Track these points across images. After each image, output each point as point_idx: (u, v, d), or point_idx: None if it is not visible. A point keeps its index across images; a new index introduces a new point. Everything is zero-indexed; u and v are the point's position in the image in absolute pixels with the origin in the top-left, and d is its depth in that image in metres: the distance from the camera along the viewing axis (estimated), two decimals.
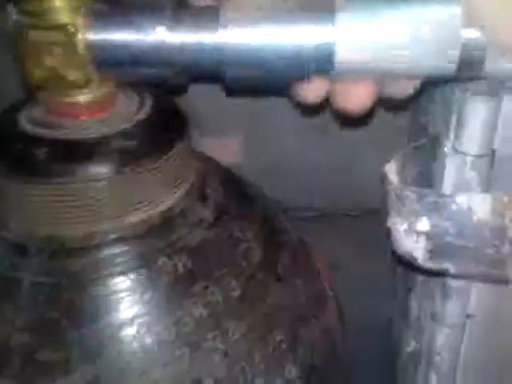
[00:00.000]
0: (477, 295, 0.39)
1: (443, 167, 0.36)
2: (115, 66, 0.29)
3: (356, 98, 0.30)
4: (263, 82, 0.29)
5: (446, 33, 0.26)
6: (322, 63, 0.27)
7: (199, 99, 0.55)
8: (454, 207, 0.30)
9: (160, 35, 0.28)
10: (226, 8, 0.27)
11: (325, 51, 0.26)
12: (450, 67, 0.27)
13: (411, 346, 0.45)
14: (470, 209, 0.29)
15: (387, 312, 0.58)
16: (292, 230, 0.42)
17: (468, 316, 0.40)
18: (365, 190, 0.55)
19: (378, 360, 0.56)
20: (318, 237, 0.63)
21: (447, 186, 0.36)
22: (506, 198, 0.28)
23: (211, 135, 0.58)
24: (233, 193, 0.38)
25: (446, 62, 0.26)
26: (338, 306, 0.42)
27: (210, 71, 0.28)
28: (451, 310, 0.39)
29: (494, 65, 0.27)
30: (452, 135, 0.36)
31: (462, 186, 0.35)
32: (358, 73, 0.28)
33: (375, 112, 0.50)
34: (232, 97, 0.45)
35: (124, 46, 0.28)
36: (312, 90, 0.30)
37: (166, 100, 0.35)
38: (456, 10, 0.26)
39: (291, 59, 0.27)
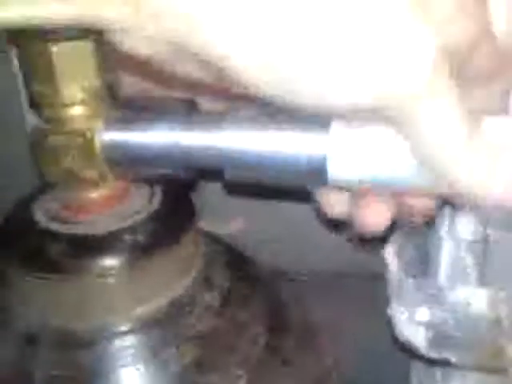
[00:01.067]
0: (476, 377, 0.39)
1: (440, 250, 0.38)
2: (129, 165, 0.31)
3: (371, 216, 0.29)
4: (261, 185, 0.31)
5: None
6: (315, 175, 0.28)
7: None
8: (452, 299, 0.31)
9: (172, 138, 0.29)
10: (231, 114, 0.29)
11: (317, 163, 0.28)
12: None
13: None
14: (467, 302, 0.30)
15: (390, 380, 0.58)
16: (296, 307, 0.43)
17: None
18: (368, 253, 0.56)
19: None
20: (324, 301, 0.63)
21: (444, 268, 0.37)
22: (501, 293, 0.29)
23: (213, 211, 0.60)
24: (238, 276, 0.39)
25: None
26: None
27: (210, 171, 0.30)
28: None
29: None
30: (446, 220, 0.37)
31: (458, 269, 0.37)
32: (356, 188, 0.29)
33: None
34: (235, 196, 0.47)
35: (138, 148, 0.30)
36: (332, 204, 0.30)
37: (176, 190, 0.37)
38: None
39: (282, 167, 0.28)
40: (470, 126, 0.23)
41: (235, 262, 0.40)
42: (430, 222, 0.40)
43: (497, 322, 0.30)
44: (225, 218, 0.61)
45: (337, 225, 0.48)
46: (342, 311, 0.60)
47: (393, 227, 0.34)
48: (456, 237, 0.37)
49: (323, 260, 0.63)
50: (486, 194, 0.24)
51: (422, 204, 0.29)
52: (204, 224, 0.55)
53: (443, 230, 0.38)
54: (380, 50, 0.22)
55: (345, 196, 0.30)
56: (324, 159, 0.28)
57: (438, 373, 0.41)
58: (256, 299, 0.38)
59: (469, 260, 0.37)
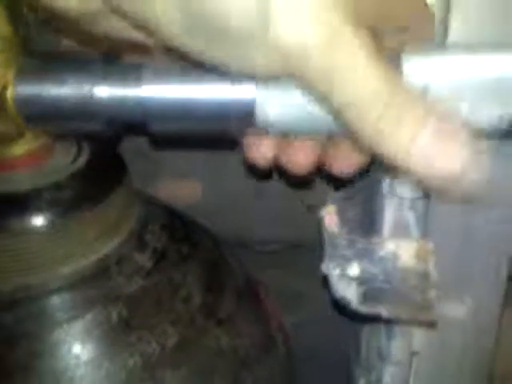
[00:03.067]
0: (421, 332, 0.39)
1: (383, 208, 0.37)
2: (44, 120, 0.29)
3: (297, 159, 0.29)
4: (189, 136, 0.30)
5: None
6: (243, 120, 0.27)
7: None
8: (381, 253, 0.30)
9: (87, 90, 0.28)
10: (149, 64, 0.28)
11: (246, 108, 0.27)
12: None
13: (361, 383, 0.45)
14: (395, 254, 0.30)
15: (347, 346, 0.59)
16: (240, 272, 0.42)
17: (413, 353, 0.40)
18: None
19: None
20: (281, 269, 0.63)
21: (387, 226, 0.37)
22: (430, 245, 0.29)
23: (169, 178, 0.59)
24: (175, 237, 0.38)
25: None
26: (288, 349, 0.42)
27: (135, 125, 0.29)
28: (396, 347, 0.40)
29: None
30: (388, 179, 0.37)
31: (400, 226, 0.36)
32: (281, 131, 0.28)
33: None
34: (163, 150, 0.45)
35: (52, 101, 0.29)
36: (259, 154, 0.30)
37: (105, 148, 0.35)
38: None
39: (210, 115, 0.27)
40: (383, 72, 0.23)
41: (172, 223, 0.39)
42: (372, 181, 0.40)
43: (425, 274, 0.29)
44: (179, 185, 0.60)
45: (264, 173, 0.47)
46: (293, 278, 0.60)
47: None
48: (398, 195, 0.36)
49: (275, 230, 0.63)
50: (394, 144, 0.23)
51: (344, 155, 0.28)
52: (158, 190, 0.54)
53: (385, 188, 0.37)
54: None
55: (271, 142, 0.29)
56: (253, 103, 0.27)
57: (383, 331, 0.41)
58: (192, 261, 0.37)
59: (411, 217, 0.37)
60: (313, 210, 0.61)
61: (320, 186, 0.58)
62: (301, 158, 0.29)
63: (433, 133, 0.23)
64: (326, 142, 0.29)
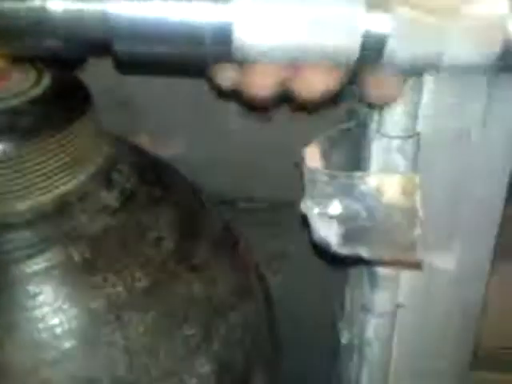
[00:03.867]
0: (405, 283, 0.37)
1: (370, 151, 0.35)
2: None
3: (258, 87, 0.28)
4: (157, 59, 0.27)
5: (348, 17, 0.24)
6: (219, 46, 0.25)
7: (139, 95, 0.52)
8: (363, 188, 0.28)
9: (40, 2, 0.25)
10: None
11: (221, 32, 0.24)
12: (353, 52, 0.25)
13: (345, 337, 0.44)
14: (379, 190, 0.27)
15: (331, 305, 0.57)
16: (218, 220, 0.39)
17: (398, 305, 0.38)
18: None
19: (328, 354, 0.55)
20: (265, 228, 0.61)
21: (374, 169, 0.34)
22: (416, 178, 0.27)
23: (152, 130, 0.57)
24: (146, 179, 0.35)
25: (349, 46, 0.25)
26: (267, 299, 0.40)
27: (95, 43, 0.26)
28: (380, 299, 0.38)
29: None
30: (376, 117, 0.34)
31: (388, 170, 0.34)
32: (258, 58, 0.26)
33: None
34: (126, 74, 0.43)
35: (5, 16, 0.26)
36: (221, 76, 0.28)
37: (68, 75, 0.33)
38: None
39: (184, 37, 0.25)
40: None
41: (143, 165, 0.36)
42: (359, 121, 0.37)
43: (411, 210, 0.27)
44: (164, 139, 0.58)
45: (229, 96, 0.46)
46: (276, 238, 0.58)
47: None
48: (386, 135, 0.34)
49: (261, 188, 0.61)
50: None
51: (319, 79, 0.26)
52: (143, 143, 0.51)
53: (373, 128, 0.35)
54: None
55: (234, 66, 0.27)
56: (229, 27, 0.24)
57: (366, 283, 0.39)
58: (164, 204, 0.35)
59: (399, 160, 0.34)
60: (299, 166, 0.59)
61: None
62: (264, 82, 0.27)
63: None
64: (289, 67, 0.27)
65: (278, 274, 0.58)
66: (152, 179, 0.36)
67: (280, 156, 0.58)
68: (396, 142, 0.34)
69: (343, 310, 0.45)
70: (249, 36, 0.25)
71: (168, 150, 0.59)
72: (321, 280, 0.57)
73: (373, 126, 0.35)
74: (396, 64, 0.28)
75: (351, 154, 0.37)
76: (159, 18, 0.25)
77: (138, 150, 0.38)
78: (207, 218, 0.38)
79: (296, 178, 0.59)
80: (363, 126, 0.37)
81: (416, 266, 0.28)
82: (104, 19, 0.25)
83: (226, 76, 0.27)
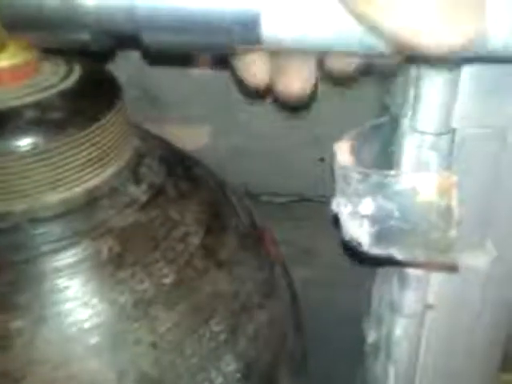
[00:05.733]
0: (436, 284, 0.36)
1: (402, 146, 0.34)
2: (26, 27, 0.26)
3: (295, 80, 0.27)
4: (185, 50, 0.27)
5: None
6: (247, 34, 0.24)
7: (163, 86, 0.52)
8: (397, 187, 0.27)
9: None
10: None
11: (249, 20, 0.24)
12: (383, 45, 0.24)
13: (372, 337, 0.43)
14: (414, 189, 0.27)
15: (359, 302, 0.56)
16: (244, 214, 0.39)
17: (427, 306, 0.37)
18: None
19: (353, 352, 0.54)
20: (291, 222, 0.61)
21: (406, 166, 0.33)
22: (453, 178, 0.26)
23: (177, 121, 0.56)
24: (174, 173, 0.35)
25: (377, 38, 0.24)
26: (293, 296, 0.40)
27: (124, 35, 0.26)
28: (409, 299, 0.37)
29: None
30: (409, 113, 0.33)
31: (421, 167, 0.33)
32: (287, 48, 0.25)
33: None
34: (157, 65, 0.42)
35: (35, 7, 0.26)
36: (253, 74, 0.28)
37: (98, 69, 0.32)
38: None
39: (210, 26, 0.24)
40: None
41: (171, 159, 0.36)
42: (391, 117, 0.36)
43: (447, 210, 0.26)
44: (186, 130, 0.58)
45: (258, 94, 0.45)
46: (301, 232, 0.58)
47: None
48: (419, 131, 0.33)
49: (291, 181, 0.60)
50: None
51: (340, 65, 0.26)
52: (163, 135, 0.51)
53: (406, 124, 0.34)
54: None
55: (266, 64, 0.27)
56: (257, 15, 0.24)
57: (395, 282, 0.38)
58: (192, 199, 0.34)
59: (433, 157, 0.33)
60: (324, 161, 0.59)
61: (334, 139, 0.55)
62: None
63: None
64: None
65: (302, 269, 0.57)
66: (179, 174, 0.35)
67: (306, 149, 0.58)
68: (430, 139, 0.33)
69: (370, 309, 0.45)
70: (277, 23, 0.24)
71: (193, 141, 0.58)
72: (347, 276, 0.56)
73: (406, 121, 0.34)
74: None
75: (383, 150, 0.36)
76: (185, 8, 0.25)
77: (165, 144, 0.38)
78: (233, 212, 0.38)
79: (322, 172, 0.58)
80: (395, 121, 0.36)
81: (451, 267, 0.27)
82: (132, 10, 0.25)
83: (256, 74, 0.27)
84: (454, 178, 0.26)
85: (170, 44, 0.26)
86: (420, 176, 0.27)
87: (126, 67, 0.45)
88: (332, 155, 0.32)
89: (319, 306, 0.57)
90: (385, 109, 0.43)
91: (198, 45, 0.26)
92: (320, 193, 0.60)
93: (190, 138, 0.58)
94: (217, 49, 0.27)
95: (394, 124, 0.36)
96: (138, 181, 0.32)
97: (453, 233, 0.26)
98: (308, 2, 0.24)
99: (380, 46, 0.24)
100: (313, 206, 0.61)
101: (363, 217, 0.28)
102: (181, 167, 0.36)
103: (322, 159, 0.59)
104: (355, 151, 0.33)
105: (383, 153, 0.36)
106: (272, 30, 0.24)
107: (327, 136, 0.56)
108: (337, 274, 0.57)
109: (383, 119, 0.37)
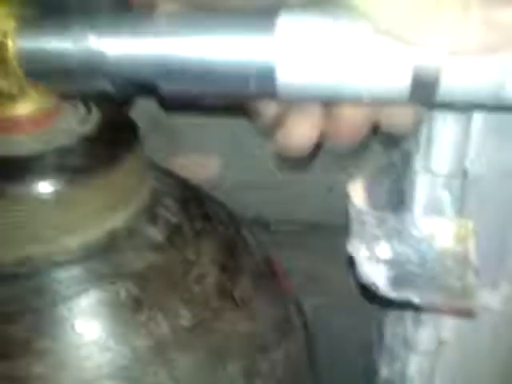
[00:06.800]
0: (449, 320, 0.36)
1: (414, 186, 0.34)
2: (46, 75, 0.27)
3: (296, 135, 0.27)
4: (202, 98, 0.27)
5: (397, 53, 0.23)
6: (262, 85, 0.25)
7: (176, 118, 0.53)
8: (415, 233, 0.27)
9: (92, 44, 0.26)
10: (160, 15, 0.25)
11: (263, 70, 0.24)
12: (403, 91, 0.24)
13: (384, 372, 0.43)
14: (431, 235, 0.27)
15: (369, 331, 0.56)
16: (258, 250, 0.39)
17: (441, 342, 0.37)
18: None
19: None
20: (298, 251, 0.61)
21: (419, 206, 0.34)
22: (470, 224, 0.26)
23: (189, 152, 0.57)
24: (190, 212, 0.35)
25: (397, 84, 0.24)
26: (306, 333, 0.40)
27: (143, 84, 0.26)
28: (423, 336, 0.37)
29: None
30: (422, 153, 0.34)
31: (433, 206, 0.33)
32: (303, 97, 0.25)
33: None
34: (170, 112, 0.43)
35: (55, 54, 0.26)
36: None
37: (116, 112, 0.33)
38: None
39: (226, 77, 0.25)
40: None
41: (187, 198, 0.36)
42: (405, 158, 0.37)
43: (465, 256, 0.26)
44: (196, 160, 0.58)
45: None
46: (309, 260, 0.58)
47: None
48: (432, 171, 0.33)
49: (300, 209, 0.61)
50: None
51: (356, 118, 0.26)
52: (174, 164, 0.52)
53: (418, 163, 0.34)
54: None
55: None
56: (272, 67, 0.24)
57: (409, 319, 0.38)
58: (207, 238, 0.35)
59: (445, 197, 0.34)
60: (333, 190, 0.59)
61: (340, 167, 0.55)
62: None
63: None
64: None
65: (313, 297, 0.57)
66: (195, 212, 0.36)
67: (316, 178, 0.58)
68: (442, 179, 0.33)
69: (381, 342, 0.45)
70: (291, 74, 0.25)
71: (204, 171, 0.59)
72: (358, 305, 0.56)
73: (418, 160, 0.34)
74: (449, 101, 0.27)
75: (396, 189, 0.37)
76: (202, 59, 0.25)
77: (180, 181, 0.38)
78: (248, 250, 0.38)
79: (331, 200, 0.59)
80: (407, 158, 0.36)
81: (468, 313, 0.27)
82: (154, 61, 0.26)
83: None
84: (471, 226, 0.26)
85: (185, 93, 0.26)
86: (437, 222, 0.27)
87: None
88: (346, 195, 0.33)
89: (328, 334, 0.57)
90: (395, 147, 0.44)
91: (215, 95, 0.27)
92: (330, 220, 0.60)
93: (202, 168, 0.59)
94: (232, 99, 0.27)
95: (406, 161, 0.36)
96: (155, 221, 0.33)
97: (470, 279, 0.26)
98: (324, 53, 0.24)
99: (394, 93, 0.24)
100: (323, 234, 0.62)
101: (380, 261, 0.28)
102: (196, 205, 0.37)
103: (330, 189, 0.60)
104: (369, 191, 0.33)
105: (396, 191, 0.36)
106: (287, 81, 0.25)
107: (336, 165, 0.56)
108: (349, 301, 0.57)
109: (395, 157, 0.38)
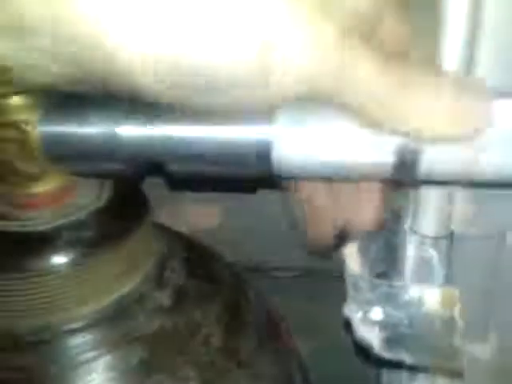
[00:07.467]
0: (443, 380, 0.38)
1: (404, 244, 0.37)
2: (68, 159, 0.29)
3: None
4: (206, 177, 0.30)
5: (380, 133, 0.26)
6: (259, 163, 0.27)
7: None
8: (405, 298, 0.29)
9: (111, 129, 0.28)
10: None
11: (260, 149, 0.27)
12: (386, 169, 0.27)
13: None
14: (420, 300, 0.29)
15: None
16: (259, 308, 0.41)
17: None
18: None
19: None
20: (298, 296, 0.62)
21: (408, 265, 0.36)
22: (455, 291, 0.28)
23: (191, 201, 0.59)
24: (194, 273, 0.37)
25: (380, 163, 0.27)
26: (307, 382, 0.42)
27: (154, 165, 0.29)
28: None
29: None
30: (410, 215, 0.36)
31: (422, 266, 0.36)
32: (300, 176, 0.28)
33: None
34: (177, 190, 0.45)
35: (76, 141, 0.29)
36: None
37: (127, 185, 0.35)
38: None
39: (223, 156, 0.27)
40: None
41: (192, 259, 0.38)
42: (395, 219, 0.39)
43: (451, 321, 0.28)
44: (197, 210, 0.60)
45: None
46: (309, 305, 0.59)
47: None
48: (420, 233, 0.36)
49: (297, 256, 0.62)
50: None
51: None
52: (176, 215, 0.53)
53: (406, 225, 0.37)
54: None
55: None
56: (269, 145, 0.27)
57: (405, 374, 0.40)
58: (212, 299, 0.37)
59: (434, 257, 0.36)
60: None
61: None
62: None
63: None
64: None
65: (309, 341, 0.59)
66: (200, 273, 0.38)
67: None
68: (430, 240, 0.36)
69: None
70: (288, 155, 0.27)
71: (205, 220, 0.61)
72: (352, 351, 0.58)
73: (407, 222, 0.37)
74: (432, 178, 0.29)
75: (388, 247, 0.39)
76: (205, 141, 0.28)
77: (185, 242, 0.41)
78: (251, 309, 0.40)
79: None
80: (397, 217, 0.38)
81: (456, 374, 0.29)
82: (158, 143, 0.28)
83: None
84: (457, 293, 0.28)
85: (190, 172, 0.29)
86: (425, 288, 0.29)
87: None
88: (342, 258, 0.35)
89: (326, 379, 0.58)
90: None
91: (216, 174, 0.29)
92: (327, 266, 0.62)
93: (203, 217, 0.61)
94: (231, 177, 0.30)
95: (396, 220, 0.38)
96: (162, 285, 0.35)
97: (457, 342, 0.28)
98: (318, 133, 0.27)
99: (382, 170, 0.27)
100: (321, 279, 0.63)
101: (374, 323, 0.31)
102: (201, 266, 0.39)
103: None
104: (362, 252, 0.36)
105: (387, 249, 0.39)
106: (283, 159, 0.27)
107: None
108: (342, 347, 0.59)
109: (385, 215, 0.40)
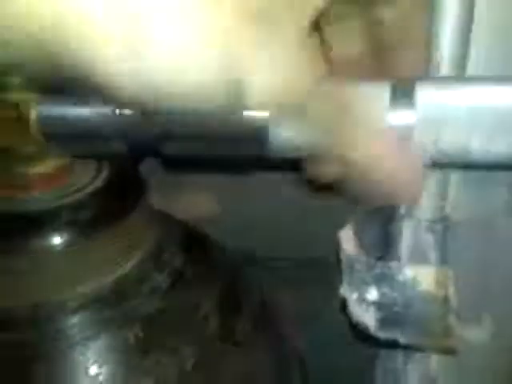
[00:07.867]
0: (438, 357, 0.38)
1: (400, 229, 0.37)
2: (66, 139, 0.30)
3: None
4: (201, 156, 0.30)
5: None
6: (255, 143, 0.28)
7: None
8: (400, 278, 0.30)
9: (108, 110, 0.28)
10: None
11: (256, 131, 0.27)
12: None
13: None
14: (415, 280, 0.29)
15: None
16: (255, 291, 0.42)
17: (430, 378, 0.40)
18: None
19: None
20: (297, 286, 0.63)
21: (404, 249, 0.36)
22: (449, 272, 0.29)
23: (186, 192, 0.59)
24: (192, 257, 0.38)
25: None
26: (303, 375, 0.42)
27: (152, 145, 0.29)
28: (413, 372, 0.39)
29: None
30: None
31: (418, 249, 0.36)
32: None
33: None
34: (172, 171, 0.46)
35: (73, 120, 0.29)
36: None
37: (125, 167, 0.36)
38: None
39: (221, 141, 0.28)
40: None
41: (190, 242, 0.39)
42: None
43: (445, 300, 0.29)
44: (196, 199, 0.61)
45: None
46: (306, 297, 0.60)
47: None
48: (416, 216, 0.36)
49: (296, 247, 0.63)
50: None
51: None
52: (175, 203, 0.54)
53: (402, 210, 0.37)
54: None
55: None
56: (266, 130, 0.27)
57: (400, 355, 0.40)
58: (209, 281, 0.37)
59: (429, 240, 0.36)
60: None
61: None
62: None
63: None
64: None
65: (306, 333, 0.59)
66: (197, 257, 0.38)
67: (312, 214, 0.60)
68: (425, 224, 0.36)
69: (374, 380, 0.46)
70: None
71: (202, 209, 0.61)
72: (348, 340, 0.58)
73: (402, 207, 0.37)
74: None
75: (384, 231, 0.39)
76: (203, 120, 0.28)
77: (183, 227, 0.41)
78: (247, 292, 0.40)
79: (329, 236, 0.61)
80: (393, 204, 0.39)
81: (450, 351, 0.30)
82: (162, 123, 0.28)
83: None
84: (450, 273, 0.29)
85: (186, 151, 0.29)
86: (420, 268, 0.30)
87: None
88: (338, 241, 0.35)
89: (320, 371, 0.59)
90: None
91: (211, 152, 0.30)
92: (323, 257, 0.62)
93: (202, 205, 0.61)
94: (228, 155, 0.30)
95: (392, 206, 0.39)
96: (160, 268, 0.35)
97: (450, 320, 0.29)
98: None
99: None
100: (321, 269, 0.64)
101: (369, 303, 0.31)
102: (198, 250, 0.39)
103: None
104: (359, 236, 0.36)
105: (383, 234, 0.39)
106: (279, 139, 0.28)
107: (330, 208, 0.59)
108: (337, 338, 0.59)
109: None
